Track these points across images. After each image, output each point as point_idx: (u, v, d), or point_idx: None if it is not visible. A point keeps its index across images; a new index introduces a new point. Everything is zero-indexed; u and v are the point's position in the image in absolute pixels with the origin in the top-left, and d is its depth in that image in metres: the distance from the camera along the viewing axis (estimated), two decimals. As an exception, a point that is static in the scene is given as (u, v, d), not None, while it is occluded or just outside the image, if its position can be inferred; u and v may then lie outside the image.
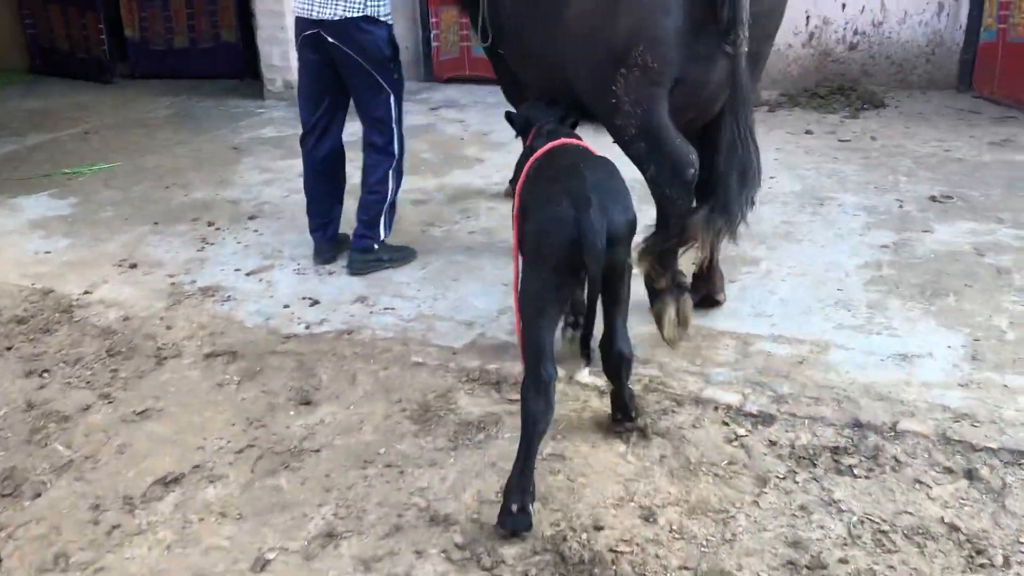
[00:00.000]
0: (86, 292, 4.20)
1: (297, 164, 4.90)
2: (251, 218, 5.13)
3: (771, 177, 5.35)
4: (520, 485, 2.51)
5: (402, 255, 4.38)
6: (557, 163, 2.90)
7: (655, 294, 3.46)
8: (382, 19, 4.05)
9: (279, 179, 5.87)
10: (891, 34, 7.55)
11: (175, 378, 3.40)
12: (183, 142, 7.03)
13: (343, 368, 3.41)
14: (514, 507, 2.48)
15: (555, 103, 3.38)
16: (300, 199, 4.59)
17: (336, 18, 3.96)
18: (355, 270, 4.27)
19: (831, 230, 4.56)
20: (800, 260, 4.20)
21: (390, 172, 4.25)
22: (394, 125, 4.20)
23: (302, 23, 4.08)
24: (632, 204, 2.74)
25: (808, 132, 6.47)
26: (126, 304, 4.06)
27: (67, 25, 9.72)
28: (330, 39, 4.00)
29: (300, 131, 4.32)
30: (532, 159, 2.99)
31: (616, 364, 2.83)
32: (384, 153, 4.22)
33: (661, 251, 3.39)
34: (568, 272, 2.66)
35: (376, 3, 4.01)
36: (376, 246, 4.29)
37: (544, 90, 3.66)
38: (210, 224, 5.06)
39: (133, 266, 4.51)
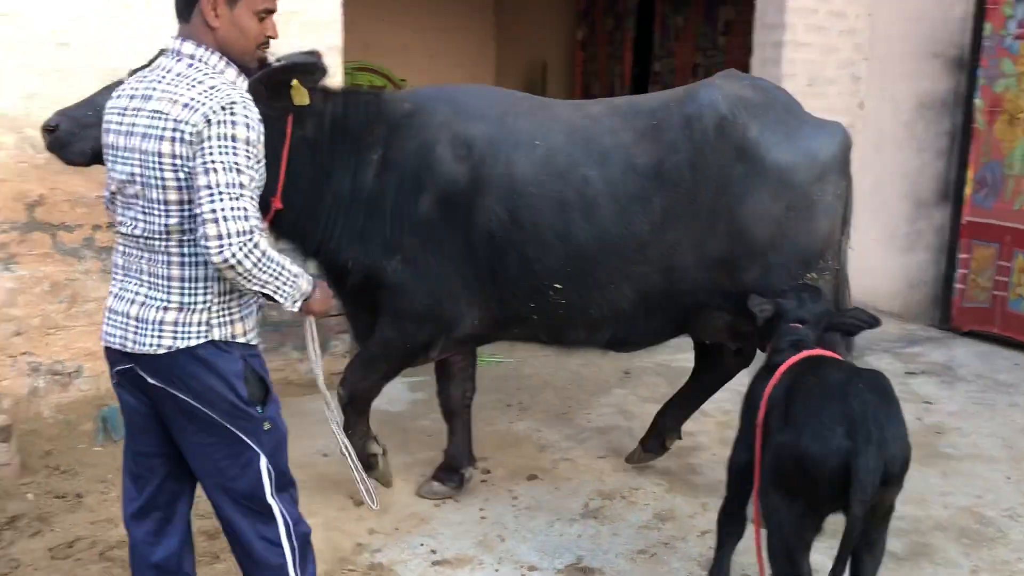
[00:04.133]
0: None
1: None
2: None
3: None
4: None
5: None
6: (826, 375, 2.66)
7: None
8: (237, 340, 2.45)
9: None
10: None
11: None
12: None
13: None
14: None
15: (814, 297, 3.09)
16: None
17: (159, 351, 2.37)
18: None
19: None
20: None
21: None
22: (275, 505, 2.52)
23: (111, 354, 2.50)
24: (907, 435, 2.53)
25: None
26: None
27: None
28: (150, 379, 2.41)
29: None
30: (786, 364, 2.79)
31: None
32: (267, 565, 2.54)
33: None
34: (827, 503, 2.50)
35: (227, 314, 2.43)
36: None
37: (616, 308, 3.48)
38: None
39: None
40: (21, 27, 4.34)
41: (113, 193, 2.44)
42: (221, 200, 2.20)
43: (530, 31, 11.37)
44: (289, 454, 3.95)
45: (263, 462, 2.49)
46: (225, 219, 2.20)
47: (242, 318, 2.47)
